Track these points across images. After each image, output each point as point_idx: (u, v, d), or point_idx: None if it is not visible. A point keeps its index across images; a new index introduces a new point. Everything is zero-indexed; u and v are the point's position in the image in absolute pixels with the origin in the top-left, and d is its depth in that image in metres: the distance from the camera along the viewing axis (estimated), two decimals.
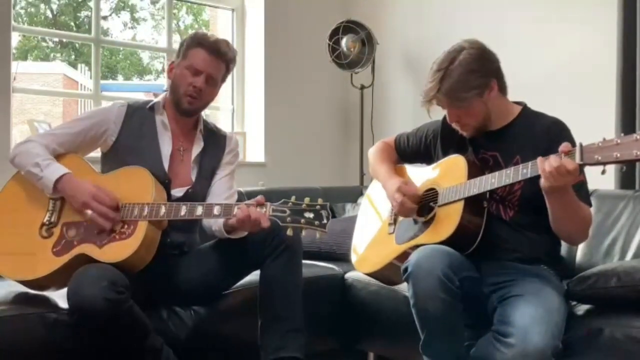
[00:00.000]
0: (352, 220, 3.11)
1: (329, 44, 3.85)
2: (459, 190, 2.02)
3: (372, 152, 2.47)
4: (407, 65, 4.03)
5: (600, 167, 1.71)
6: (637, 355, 1.85)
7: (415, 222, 2.15)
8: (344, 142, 4.29)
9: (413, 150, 2.37)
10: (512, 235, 2.02)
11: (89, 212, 2.01)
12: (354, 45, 3.85)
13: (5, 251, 2.08)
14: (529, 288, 1.87)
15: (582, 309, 2.03)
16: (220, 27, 4.64)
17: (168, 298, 2.18)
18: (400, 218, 2.22)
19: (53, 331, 1.93)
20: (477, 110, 2.05)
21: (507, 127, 2.12)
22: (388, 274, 2.21)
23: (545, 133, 2.05)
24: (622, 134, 1.72)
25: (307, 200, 2.01)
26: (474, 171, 2.06)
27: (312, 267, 2.70)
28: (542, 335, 1.74)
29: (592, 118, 2.81)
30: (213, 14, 6.79)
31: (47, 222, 2.09)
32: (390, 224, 2.27)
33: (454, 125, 2.12)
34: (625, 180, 2.80)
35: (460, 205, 1.99)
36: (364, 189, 3.67)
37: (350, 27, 3.85)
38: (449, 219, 2.01)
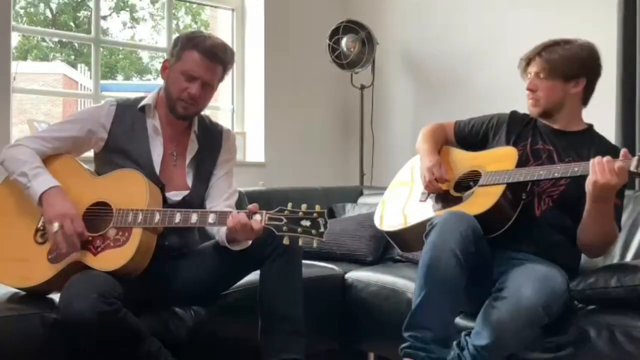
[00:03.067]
0: (352, 220, 3.13)
1: (329, 44, 3.85)
2: (504, 175, 2.07)
3: (423, 130, 2.50)
4: (407, 65, 4.03)
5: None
6: (637, 355, 1.85)
7: (450, 195, 2.21)
8: (344, 142, 4.29)
9: (472, 133, 2.40)
10: (539, 232, 2.06)
11: (56, 225, 1.94)
12: (354, 45, 3.85)
13: (0, 257, 2.05)
14: (531, 263, 1.95)
15: (581, 309, 2.03)
16: (220, 27, 4.64)
17: (168, 299, 2.17)
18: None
19: (53, 331, 1.92)
20: (555, 91, 2.14)
21: (573, 133, 2.19)
22: (409, 236, 2.26)
23: (604, 152, 2.05)
24: None
25: (304, 207, 1.94)
26: (523, 163, 2.12)
27: (312, 267, 2.70)
28: (535, 292, 1.81)
29: (592, 118, 2.79)
30: (213, 14, 6.78)
31: (41, 228, 2.05)
32: (423, 193, 2.32)
33: (528, 95, 2.18)
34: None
35: (500, 189, 2.04)
36: (364, 189, 3.68)
37: (350, 27, 3.85)
38: (486, 197, 2.05)
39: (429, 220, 2.08)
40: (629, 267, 2.01)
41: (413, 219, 2.26)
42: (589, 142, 2.16)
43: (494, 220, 2.02)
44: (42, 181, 2.02)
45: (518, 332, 1.83)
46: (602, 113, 2.91)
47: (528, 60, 2.17)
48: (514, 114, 2.33)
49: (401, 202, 2.40)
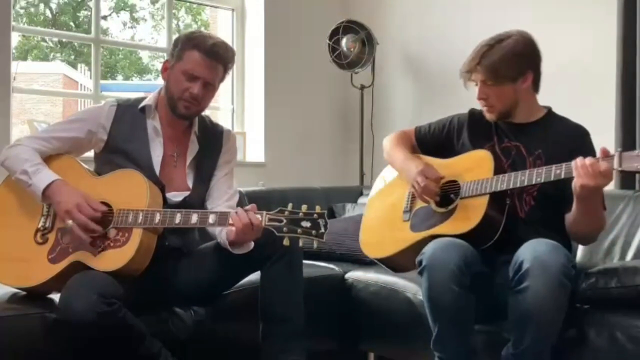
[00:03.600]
0: (352, 220, 3.12)
1: (329, 44, 3.84)
2: (485, 184, 2.04)
3: (388, 139, 2.44)
4: (407, 65, 4.03)
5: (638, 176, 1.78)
6: (637, 355, 1.85)
7: (434, 212, 2.15)
8: (344, 142, 4.29)
9: (434, 137, 2.35)
10: (525, 232, 2.02)
11: (70, 222, 1.97)
12: (354, 45, 3.84)
13: (0, 257, 2.06)
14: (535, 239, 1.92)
15: (581, 308, 2.03)
16: (220, 27, 4.64)
17: (168, 299, 2.17)
18: (417, 206, 2.22)
19: (53, 331, 1.93)
20: (506, 94, 2.11)
21: (532, 124, 2.17)
22: (399, 261, 2.21)
23: (569, 136, 2.10)
24: None
25: (304, 208, 1.94)
26: (499, 166, 2.09)
27: (312, 267, 2.70)
28: (552, 252, 1.81)
29: (592, 118, 2.79)
30: (213, 14, 6.79)
31: (42, 228, 2.06)
32: (405, 211, 2.26)
33: (480, 103, 2.16)
34: (625, 180, 2.80)
35: (485, 200, 2.01)
36: (364, 189, 3.67)
37: (350, 27, 3.85)
38: (473, 212, 2.02)
39: (418, 242, 2.06)
40: (629, 267, 2.01)
41: (402, 243, 2.17)
42: (551, 128, 2.14)
43: (485, 232, 1.99)
44: (42, 177, 2.02)
45: (554, 297, 1.79)
46: (602, 113, 2.92)
47: (468, 71, 2.12)
48: (472, 112, 2.29)
49: (385, 223, 2.33)
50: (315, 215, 1.93)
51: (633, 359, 1.86)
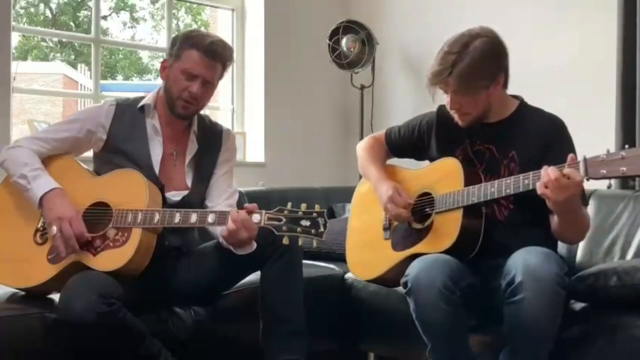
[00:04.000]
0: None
1: (329, 44, 3.84)
2: (457, 198, 2.00)
3: (361, 149, 2.41)
4: (407, 65, 4.03)
5: (606, 182, 1.70)
6: (637, 355, 1.85)
7: (412, 228, 2.13)
8: (344, 142, 4.28)
9: (404, 141, 2.32)
10: (508, 236, 2.00)
11: (54, 229, 1.96)
12: (354, 45, 3.84)
13: (0, 257, 2.06)
14: (522, 250, 1.88)
15: (581, 307, 2.03)
16: (220, 27, 4.64)
17: (168, 299, 2.17)
18: (396, 222, 2.21)
19: (53, 331, 1.92)
20: (481, 101, 2.02)
21: (505, 121, 2.10)
22: (387, 279, 2.20)
23: (543, 130, 2.04)
24: (627, 146, 1.69)
25: (303, 207, 1.94)
26: (471, 175, 2.03)
27: (312, 267, 2.70)
28: (544, 260, 1.77)
29: (592, 118, 2.81)
30: (213, 14, 6.78)
31: (41, 228, 2.05)
32: (385, 229, 2.24)
33: (453, 113, 2.08)
34: (625, 180, 2.80)
35: (459, 214, 1.98)
36: None
37: (350, 27, 3.85)
38: (448, 228, 1.99)
39: (401, 262, 2.06)
40: (629, 266, 2.01)
41: (386, 263, 2.16)
42: (524, 124, 2.07)
43: (466, 244, 1.97)
44: (41, 183, 2.02)
45: (550, 308, 1.77)
46: (602, 113, 2.93)
47: (438, 82, 2.01)
48: (441, 113, 2.20)
49: (367, 243, 2.31)
50: (314, 214, 1.93)
51: (633, 359, 1.86)
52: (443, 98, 2.09)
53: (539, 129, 2.05)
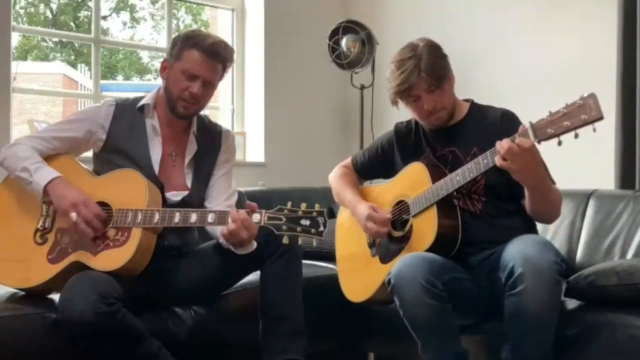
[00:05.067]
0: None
1: (329, 44, 3.84)
2: (428, 196, 2.04)
3: (333, 179, 2.47)
4: None
5: (555, 140, 1.74)
6: (637, 355, 1.85)
7: (394, 237, 2.16)
8: (344, 142, 4.28)
9: (371, 163, 2.39)
10: (487, 228, 2.05)
11: (74, 215, 1.97)
12: (354, 45, 3.84)
13: (0, 257, 2.06)
14: (514, 240, 1.91)
15: (581, 307, 2.03)
16: (220, 27, 4.63)
17: (168, 299, 2.17)
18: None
19: (53, 331, 1.92)
20: (448, 95, 2.11)
21: (461, 123, 2.17)
22: (382, 297, 2.17)
23: (497, 123, 2.10)
24: (567, 103, 1.74)
25: (303, 206, 1.95)
26: (436, 173, 2.09)
27: (312, 267, 2.70)
28: (541, 250, 1.80)
29: None
30: (213, 14, 6.78)
31: (41, 228, 2.05)
32: (371, 247, 2.27)
33: (424, 120, 2.14)
34: (625, 180, 2.81)
35: (433, 211, 2.02)
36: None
37: (350, 27, 3.85)
38: (427, 227, 2.02)
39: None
40: (628, 266, 2.01)
41: (379, 277, 2.14)
42: (480, 121, 2.14)
43: (447, 239, 2.00)
44: (43, 174, 2.02)
45: (551, 297, 1.79)
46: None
47: (411, 86, 2.06)
48: (397, 130, 2.31)
49: (357, 265, 2.32)
50: (314, 214, 1.94)
51: (633, 359, 1.86)
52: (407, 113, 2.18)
53: (494, 123, 2.12)
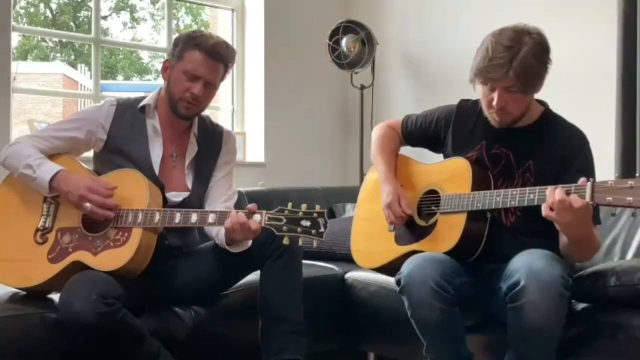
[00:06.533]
0: (352, 220, 3.12)
1: (329, 44, 3.84)
2: (463, 202, 1.97)
3: (375, 135, 2.37)
4: (407, 65, 4.03)
5: (611, 209, 1.66)
6: (637, 355, 1.85)
7: (416, 224, 2.13)
8: (344, 142, 4.29)
9: (421, 132, 2.28)
10: (510, 243, 1.98)
11: (88, 205, 1.98)
12: (354, 45, 3.84)
13: (0, 257, 2.06)
14: (524, 252, 1.85)
15: (581, 307, 2.03)
16: (220, 27, 4.64)
17: (168, 299, 2.17)
18: None
19: (53, 331, 1.93)
20: (525, 102, 1.95)
21: (527, 128, 2.04)
22: (389, 269, 2.17)
23: (564, 145, 1.99)
24: (638, 175, 1.62)
25: (304, 207, 1.94)
26: (479, 177, 2.00)
27: (312, 267, 2.70)
28: (548, 264, 1.74)
29: (592, 118, 2.79)
30: (213, 14, 6.79)
31: (41, 228, 2.05)
32: (390, 222, 2.23)
33: (490, 112, 1.98)
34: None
35: (462, 218, 1.96)
36: None
37: (350, 27, 3.85)
38: (451, 231, 1.98)
39: (403, 255, 2.03)
40: (628, 266, 2.01)
41: (388, 256, 2.14)
42: (546, 134, 2.02)
43: (467, 248, 1.95)
44: (47, 168, 2.03)
45: (555, 311, 1.74)
46: (602, 113, 2.93)
47: (491, 78, 1.89)
48: (460, 106, 2.16)
49: (372, 233, 2.29)
50: (315, 215, 1.93)
51: (633, 359, 1.86)
52: (478, 91, 2.00)
53: (560, 142, 1.99)
